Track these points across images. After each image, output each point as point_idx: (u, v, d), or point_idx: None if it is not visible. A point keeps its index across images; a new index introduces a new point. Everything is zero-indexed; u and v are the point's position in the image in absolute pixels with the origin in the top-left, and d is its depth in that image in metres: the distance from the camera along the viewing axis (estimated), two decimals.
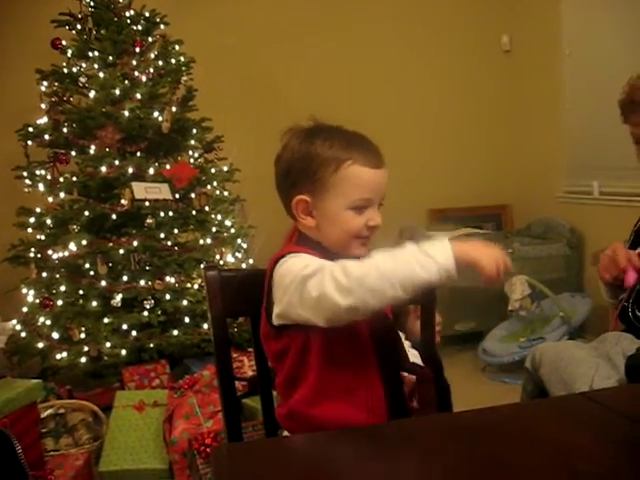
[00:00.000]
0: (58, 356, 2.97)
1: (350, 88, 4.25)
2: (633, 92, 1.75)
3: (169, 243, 3.14)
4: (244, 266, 3.34)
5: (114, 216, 3.07)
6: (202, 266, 2.95)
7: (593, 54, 3.81)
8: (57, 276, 3.12)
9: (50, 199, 3.17)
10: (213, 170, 3.37)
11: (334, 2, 4.29)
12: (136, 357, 3.05)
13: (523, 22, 4.47)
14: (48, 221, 3.15)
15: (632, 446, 0.95)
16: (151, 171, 3.10)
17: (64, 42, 3.26)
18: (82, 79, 3.25)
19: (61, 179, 3.15)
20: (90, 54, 3.27)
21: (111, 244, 3.02)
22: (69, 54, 3.26)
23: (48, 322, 3.04)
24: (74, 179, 3.12)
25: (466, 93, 4.54)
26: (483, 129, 4.57)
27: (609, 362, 1.71)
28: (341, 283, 1.07)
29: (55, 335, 3.00)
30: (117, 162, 3.08)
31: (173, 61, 3.39)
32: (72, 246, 3.01)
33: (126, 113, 3.12)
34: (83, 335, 2.96)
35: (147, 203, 3.05)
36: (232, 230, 3.39)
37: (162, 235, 3.10)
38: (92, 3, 3.28)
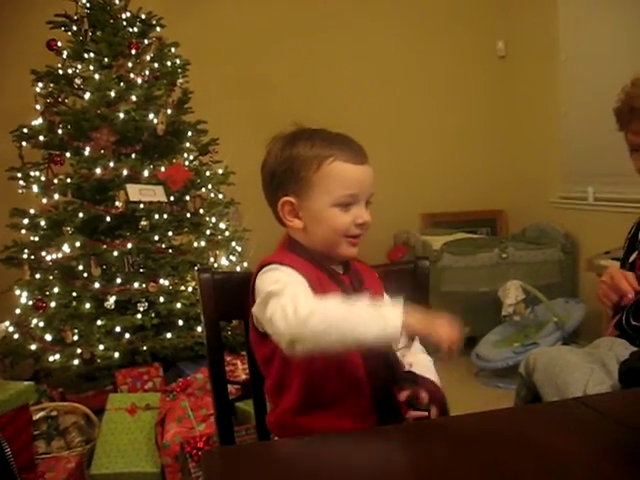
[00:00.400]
0: (51, 358, 2.96)
1: (345, 93, 4.25)
2: (632, 99, 1.74)
3: (163, 245, 3.13)
4: (238, 269, 3.34)
5: (108, 218, 3.07)
6: (196, 269, 2.94)
7: (589, 60, 3.82)
8: (50, 278, 3.11)
9: (44, 200, 3.15)
10: (208, 173, 3.36)
11: (329, 8, 4.30)
12: (129, 360, 3.04)
13: (519, 28, 4.48)
14: (42, 222, 3.14)
15: (625, 452, 0.95)
16: (146, 173, 3.10)
17: (59, 43, 3.25)
18: (77, 80, 3.24)
19: (55, 180, 3.13)
20: (86, 56, 3.26)
21: (105, 246, 3.01)
22: (64, 55, 3.25)
23: (41, 324, 3.02)
24: (68, 181, 3.11)
25: (461, 98, 4.55)
26: (478, 134, 4.58)
27: (603, 367, 1.71)
28: (287, 316, 1.07)
29: (48, 337, 2.99)
30: (112, 164, 3.07)
31: (169, 63, 3.38)
32: (66, 248, 3.00)
33: (121, 115, 3.11)
34: (76, 337, 2.95)
35: (142, 205, 3.05)
36: (226, 233, 3.39)
37: (156, 237, 3.09)
38: (88, 5, 3.27)
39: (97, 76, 3.17)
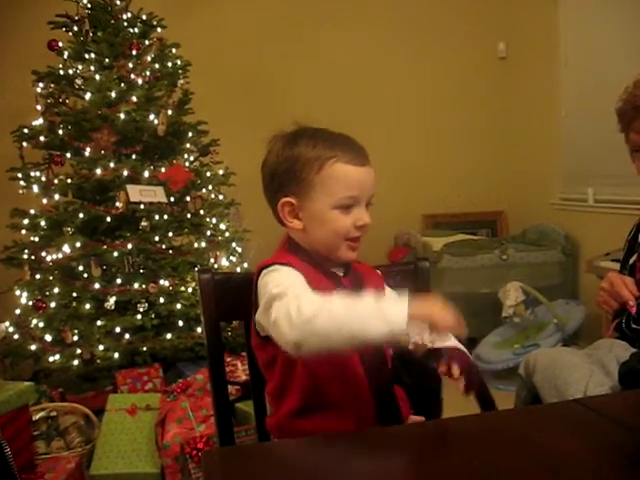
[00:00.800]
0: (51, 359, 2.96)
1: (346, 94, 4.25)
2: (635, 98, 1.73)
3: (163, 246, 3.13)
4: (238, 270, 3.34)
5: (109, 218, 3.07)
6: (196, 270, 2.94)
7: (590, 62, 3.82)
8: (51, 278, 3.11)
9: (45, 201, 3.16)
10: (208, 173, 3.36)
11: (330, 9, 4.30)
12: (129, 360, 3.04)
13: (520, 29, 4.48)
14: (42, 223, 3.14)
15: (625, 453, 0.95)
16: (146, 174, 3.10)
17: (60, 44, 3.25)
18: (78, 81, 3.24)
19: (56, 181, 3.14)
20: (86, 56, 3.26)
21: (105, 247, 3.01)
22: (65, 56, 3.25)
23: (41, 324, 3.02)
24: (69, 181, 3.11)
25: (462, 99, 4.55)
26: (478, 135, 4.58)
27: (603, 369, 1.70)
28: (291, 317, 1.05)
29: (48, 337, 2.99)
30: (112, 164, 3.07)
31: (169, 64, 3.38)
32: (66, 248, 3.00)
33: (122, 115, 3.11)
34: (76, 338, 2.95)
35: (142, 206, 3.05)
36: (227, 234, 3.39)
37: (157, 238, 3.09)
38: (89, 5, 3.28)
39: (98, 76, 3.17)
